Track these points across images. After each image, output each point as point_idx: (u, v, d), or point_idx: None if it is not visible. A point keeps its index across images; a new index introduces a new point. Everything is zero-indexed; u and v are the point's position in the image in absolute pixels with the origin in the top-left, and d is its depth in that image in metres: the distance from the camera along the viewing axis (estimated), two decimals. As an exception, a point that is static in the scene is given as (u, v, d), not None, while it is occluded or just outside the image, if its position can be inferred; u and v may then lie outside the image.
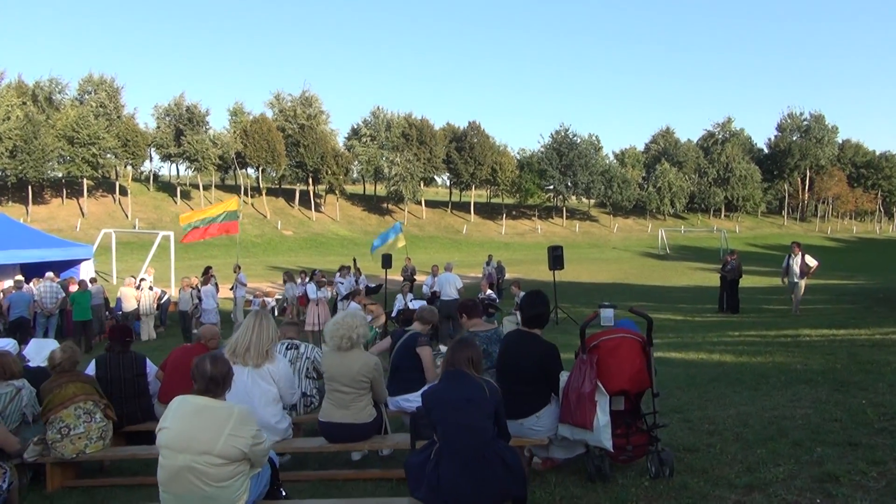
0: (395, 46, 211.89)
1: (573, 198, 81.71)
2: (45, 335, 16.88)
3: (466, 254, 58.19)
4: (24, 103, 50.50)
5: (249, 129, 61.06)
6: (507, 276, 36.77)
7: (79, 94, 57.34)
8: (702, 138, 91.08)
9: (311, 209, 66.49)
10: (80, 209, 52.59)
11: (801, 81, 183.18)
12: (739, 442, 5.01)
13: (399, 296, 15.45)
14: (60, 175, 53.01)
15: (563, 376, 4.33)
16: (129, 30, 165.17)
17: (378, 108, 75.13)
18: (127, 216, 53.70)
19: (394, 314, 14.66)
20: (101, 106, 54.59)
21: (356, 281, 17.48)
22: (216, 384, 3.52)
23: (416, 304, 14.64)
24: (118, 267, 32.42)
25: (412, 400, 5.70)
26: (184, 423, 3.46)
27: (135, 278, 20.09)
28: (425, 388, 4.01)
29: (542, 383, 4.37)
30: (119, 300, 18.18)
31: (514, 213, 78.16)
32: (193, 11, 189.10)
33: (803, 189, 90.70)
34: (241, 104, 69.14)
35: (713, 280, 23.32)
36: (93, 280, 18.34)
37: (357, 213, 71.71)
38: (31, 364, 6.36)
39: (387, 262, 16.80)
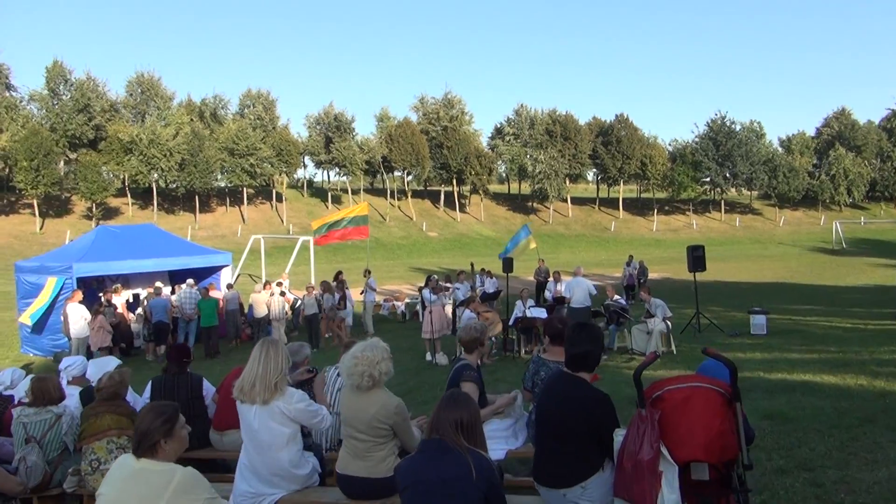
0: (536, 41, 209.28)
1: (732, 190, 76.01)
2: (186, 339, 17.74)
3: (614, 252, 55.78)
4: (192, 120, 54.96)
5: (394, 134, 62.49)
6: (654, 275, 34.54)
7: (240, 109, 61.60)
8: (885, 119, 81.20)
9: (455, 210, 66.91)
10: (242, 216, 56.33)
11: None
12: (887, 524, 3.69)
13: (518, 302, 14.50)
14: (223, 185, 57.12)
15: (620, 436, 3.28)
16: (281, 45, 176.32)
17: (521, 105, 74.39)
18: (282, 221, 56.79)
19: (511, 322, 13.75)
20: (258, 118, 58.28)
21: (472, 286, 16.71)
22: (147, 440, 2.89)
23: (534, 312, 13.66)
24: (269, 271, 34.02)
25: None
26: (117, 489, 2.86)
27: (270, 283, 20.76)
28: (404, 459, 3.13)
29: (590, 443, 3.34)
30: (251, 306, 18.71)
31: (666, 208, 74.12)
32: (341, 25, 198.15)
33: None
34: (386, 109, 71.23)
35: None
36: (229, 286, 19.04)
37: (501, 212, 71.26)
38: (94, 384, 6.19)
39: (507, 265, 15.91)
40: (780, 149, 78.72)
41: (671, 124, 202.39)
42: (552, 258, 52.30)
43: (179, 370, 6.07)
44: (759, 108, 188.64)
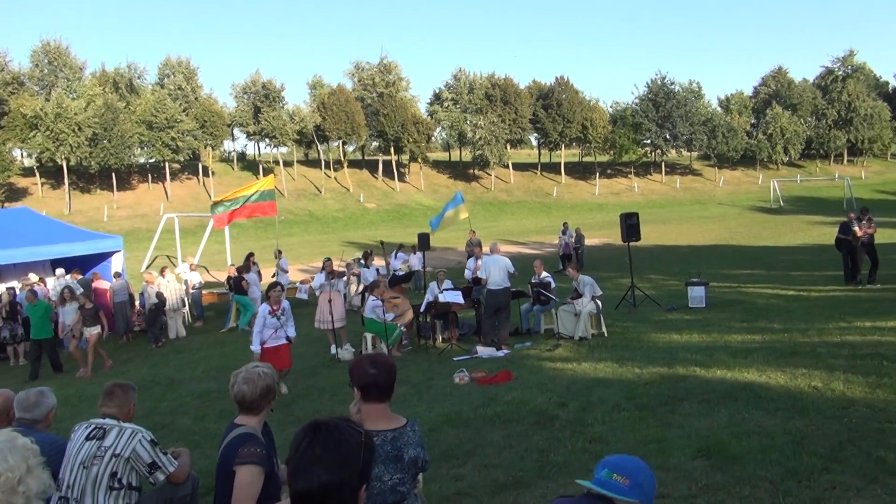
0: (474, 2, 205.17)
1: (672, 151, 75.80)
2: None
3: (556, 218, 54.68)
4: (105, 91, 51.10)
5: (327, 102, 59.70)
6: (594, 241, 33.41)
7: (159, 79, 57.77)
8: (819, 77, 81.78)
9: (394, 179, 64.79)
10: (165, 193, 53.12)
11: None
12: None
13: (433, 284, 12.85)
14: (143, 160, 53.66)
15: None
16: (201, 9, 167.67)
17: (460, 69, 72.06)
18: (210, 197, 53.76)
19: (423, 308, 12.10)
20: (178, 89, 54.65)
21: (378, 269, 14.97)
22: None
23: (448, 296, 12.04)
24: (185, 252, 31.65)
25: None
26: None
27: (165, 268, 18.66)
28: None
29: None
30: (143, 295, 16.63)
31: (608, 171, 73.43)
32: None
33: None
34: (320, 77, 68.20)
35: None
36: (117, 275, 16.91)
37: (442, 180, 69.41)
38: None
39: (424, 242, 14.26)
40: (719, 108, 78.69)
41: (612, 86, 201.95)
42: (493, 226, 51.06)
43: None
44: (699, 68, 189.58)
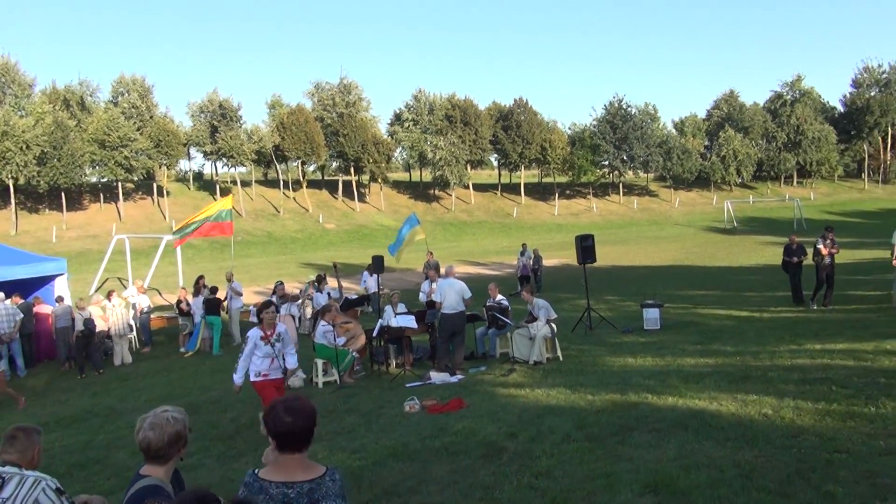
0: (434, 23, 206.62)
1: (630, 173, 76.97)
2: (11, 364, 14.96)
3: (516, 238, 54.90)
4: (55, 108, 49.72)
5: (286, 122, 59.16)
6: (553, 262, 33.55)
7: (113, 97, 56.53)
8: (769, 100, 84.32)
9: (354, 200, 64.36)
10: (118, 213, 51.81)
11: (877, 31, 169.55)
12: None
13: (388, 307, 12.60)
14: (95, 180, 52.25)
15: None
16: (157, 26, 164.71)
17: (420, 90, 72.28)
18: (165, 217, 52.67)
19: (375, 333, 11.82)
20: (133, 107, 53.52)
21: (328, 293, 14.63)
22: None
23: (402, 320, 11.79)
24: (137, 275, 30.77)
25: None
26: None
27: (113, 292, 18.01)
28: None
29: None
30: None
31: (567, 192, 74.14)
32: (224, 4, 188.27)
33: (885, 148, 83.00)
34: (279, 97, 67.72)
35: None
36: (59, 299, 16.25)
37: (403, 201, 69.18)
38: None
39: (378, 265, 14.00)
40: (673, 131, 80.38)
41: (570, 108, 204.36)
42: (454, 247, 50.97)
43: None
44: (654, 91, 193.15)
